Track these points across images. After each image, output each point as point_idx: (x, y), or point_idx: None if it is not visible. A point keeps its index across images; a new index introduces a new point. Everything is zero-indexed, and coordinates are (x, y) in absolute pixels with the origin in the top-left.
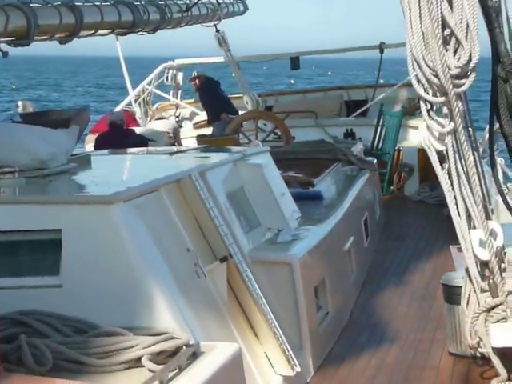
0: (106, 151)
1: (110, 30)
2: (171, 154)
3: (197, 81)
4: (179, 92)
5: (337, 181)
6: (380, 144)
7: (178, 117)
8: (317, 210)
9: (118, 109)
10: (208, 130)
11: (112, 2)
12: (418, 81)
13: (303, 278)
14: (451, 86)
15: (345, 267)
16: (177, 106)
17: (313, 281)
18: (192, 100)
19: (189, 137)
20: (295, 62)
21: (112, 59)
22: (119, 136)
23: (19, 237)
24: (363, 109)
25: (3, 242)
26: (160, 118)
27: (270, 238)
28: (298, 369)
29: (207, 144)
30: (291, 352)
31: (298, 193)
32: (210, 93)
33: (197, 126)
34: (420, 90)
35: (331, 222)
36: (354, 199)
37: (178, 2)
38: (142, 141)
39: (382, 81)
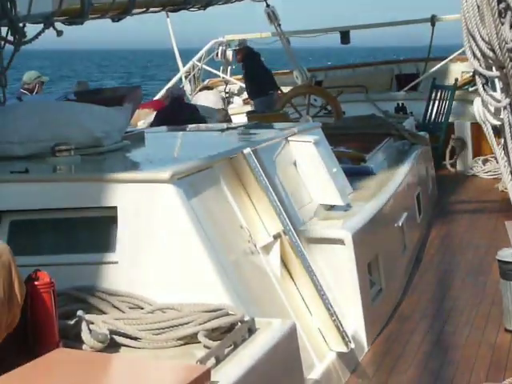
0: (158, 128)
1: (161, 7)
2: (223, 130)
3: (240, 53)
4: (229, 68)
5: (388, 156)
6: (432, 118)
7: (227, 93)
8: (369, 186)
9: (167, 86)
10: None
11: None
12: (474, 55)
13: (356, 254)
14: (508, 60)
15: (398, 243)
16: (226, 82)
17: (366, 257)
18: (241, 76)
19: (238, 113)
20: (345, 36)
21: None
22: (178, 109)
23: (76, 214)
24: (414, 83)
25: (60, 219)
26: (206, 88)
27: (323, 214)
28: (352, 345)
29: (258, 120)
30: (345, 328)
31: (350, 168)
32: (252, 64)
33: (246, 101)
34: (476, 64)
35: (384, 197)
36: (406, 174)
37: None
38: (199, 116)
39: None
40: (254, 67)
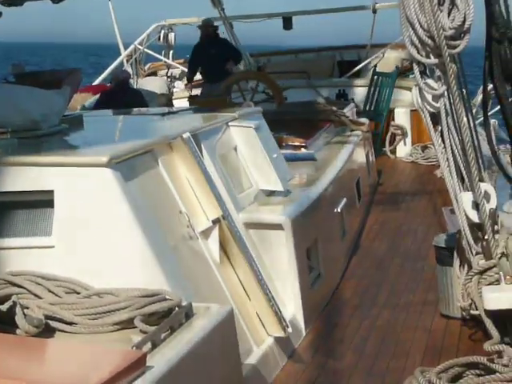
0: (98, 112)
1: None
2: (163, 114)
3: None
4: (171, 52)
5: (329, 142)
6: (373, 105)
7: (169, 77)
8: (309, 172)
9: (109, 70)
10: (198, 91)
11: None
12: (412, 42)
13: (295, 240)
14: (445, 48)
15: (337, 228)
16: (168, 66)
17: (305, 242)
18: (182, 60)
19: (180, 97)
20: (288, 22)
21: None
22: (122, 92)
23: (12, 198)
24: (356, 69)
25: None
26: (152, 74)
27: (263, 200)
28: (290, 330)
29: (199, 105)
30: (283, 313)
31: (290, 154)
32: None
33: (188, 86)
34: (413, 52)
35: (323, 183)
36: (346, 160)
37: None
38: (142, 100)
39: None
40: (211, 53)
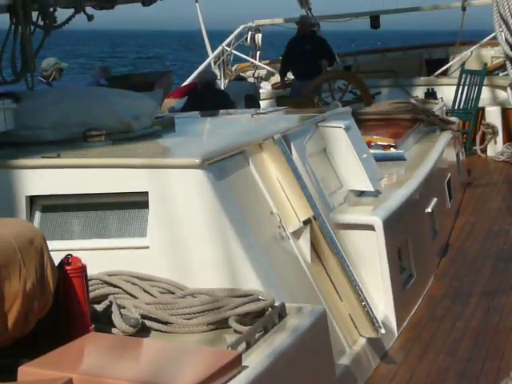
0: (189, 113)
1: None
2: (253, 115)
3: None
4: (258, 53)
5: (419, 142)
6: (462, 104)
7: (256, 78)
8: (399, 172)
9: (196, 72)
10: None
11: None
12: (505, 39)
13: (386, 240)
14: None
15: (428, 229)
16: (255, 67)
17: (396, 243)
18: (268, 61)
19: (268, 98)
20: (375, 20)
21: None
22: (209, 94)
23: (107, 199)
24: (444, 68)
25: (92, 204)
26: (239, 78)
27: (353, 200)
28: (383, 331)
29: (288, 105)
30: (375, 314)
31: (380, 154)
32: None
33: (275, 86)
34: (507, 49)
35: (414, 183)
36: (436, 160)
37: None
38: (230, 101)
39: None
40: (305, 49)
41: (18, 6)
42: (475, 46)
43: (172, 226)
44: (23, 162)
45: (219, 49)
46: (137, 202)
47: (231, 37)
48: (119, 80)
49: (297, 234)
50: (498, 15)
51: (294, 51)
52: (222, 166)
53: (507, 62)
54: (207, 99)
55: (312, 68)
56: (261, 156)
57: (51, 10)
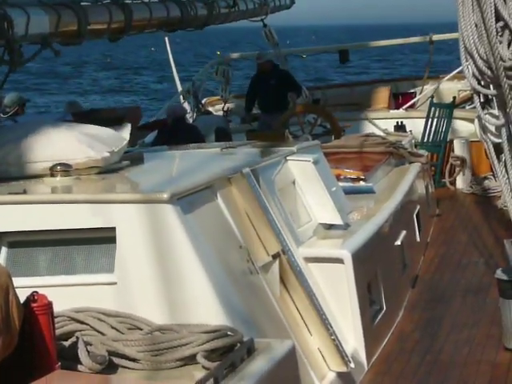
0: (158, 148)
1: (157, 28)
2: (222, 149)
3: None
4: (228, 86)
5: (388, 174)
6: (431, 136)
7: (226, 111)
8: (368, 204)
9: (165, 106)
10: (254, 125)
11: None
12: (471, 73)
13: (356, 274)
14: (505, 78)
15: (398, 262)
16: (225, 101)
17: (366, 276)
18: (238, 94)
19: (237, 131)
20: (344, 55)
21: None
22: (179, 129)
23: (74, 235)
24: (413, 101)
25: (58, 240)
26: (208, 112)
27: (322, 234)
28: (352, 365)
29: (257, 139)
30: (345, 348)
31: (349, 187)
32: (269, 80)
33: (244, 119)
34: (473, 82)
35: (383, 216)
36: (405, 193)
37: None
38: (200, 136)
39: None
40: (270, 84)
41: None
42: (443, 80)
43: (140, 262)
44: None
45: (189, 83)
46: (104, 237)
47: (201, 70)
48: (86, 114)
49: (265, 267)
50: (464, 49)
51: (258, 87)
52: (191, 201)
53: (474, 95)
54: (177, 133)
55: (278, 101)
56: (229, 190)
57: (18, 45)
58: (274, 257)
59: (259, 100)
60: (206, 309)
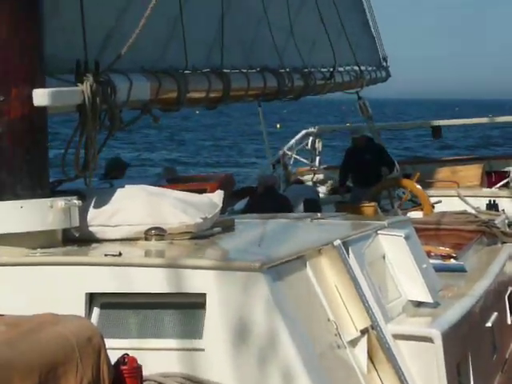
0: (248, 216)
1: (254, 98)
2: (312, 220)
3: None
4: (318, 157)
5: (480, 253)
6: None
7: (314, 182)
8: (459, 283)
9: (257, 174)
10: (346, 197)
11: (258, 69)
12: None
13: (445, 354)
14: None
15: (488, 344)
16: (314, 172)
17: (455, 357)
18: (327, 165)
19: (326, 202)
20: (437, 131)
21: None
22: (270, 198)
23: (165, 299)
24: (506, 180)
25: (150, 303)
26: (300, 182)
27: (412, 311)
28: None
29: (346, 211)
30: None
31: (440, 265)
32: (364, 155)
33: (331, 191)
34: None
35: (474, 296)
36: (497, 273)
37: (322, 69)
38: (289, 206)
39: None
40: (364, 158)
41: (87, 105)
42: None
43: (229, 329)
44: (85, 259)
45: (280, 152)
46: (194, 303)
47: (292, 141)
48: (180, 181)
49: (353, 342)
50: None
51: (352, 161)
52: (281, 270)
53: None
54: (267, 202)
55: (372, 176)
56: (320, 261)
57: (119, 111)
58: (363, 332)
59: (353, 173)
60: (293, 381)
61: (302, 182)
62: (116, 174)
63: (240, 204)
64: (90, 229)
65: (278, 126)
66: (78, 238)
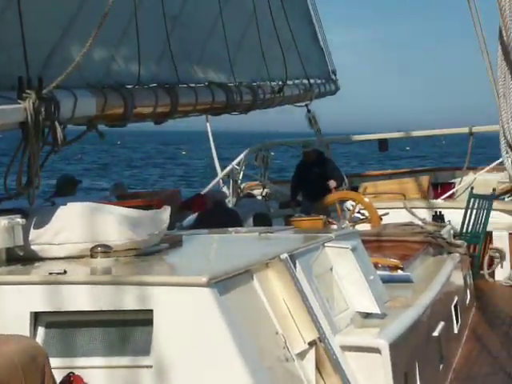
0: (197, 231)
1: (203, 113)
2: (260, 234)
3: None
4: (267, 172)
5: (426, 264)
6: (470, 227)
7: (264, 196)
8: (406, 294)
9: (206, 189)
10: (293, 210)
11: (206, 83)
12: (511, 165)
13: (393, 364)
14: None
15: (435, 353)
16: (264, 186)
17: (402, 367)
18: (277, 180)
19: (275, 216)
20: (383, 144)
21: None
22: (218, 212)
23: (112, 316)
24: (452, 191)
25: (97, 320)
26: (250, 196)
27: (359, 322)
28: None
29: (296, 224)
30: None
31: (387, 276)
32: (311, 169)
33: (282, 205)
34: None
35: (421, 306)
36: (443, 283)
37: (271, 83)
38: (239, 220)
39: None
40: (314, 172)
41: (30, 123)
42: (482, 171)
43: (177, 346)
44: (29, 278)
45: (229, 167)
46: (141, 319)
47: (241, 156)
48: (127, 198)
49: (301, 355)
50: (505, 142)
51: (302, 175)
52: (229, 285)
53: None
54: (216, 218)
55: (321, 190)
56: (267, 275)
57: (62, 127)
58: (311, 344)
59: (303, 187)
60: None
61: (252, 196)
62: (66, 191)
63: (189, 220)
64: (34, 247)
65: (184, 152)
66: (22, 257)
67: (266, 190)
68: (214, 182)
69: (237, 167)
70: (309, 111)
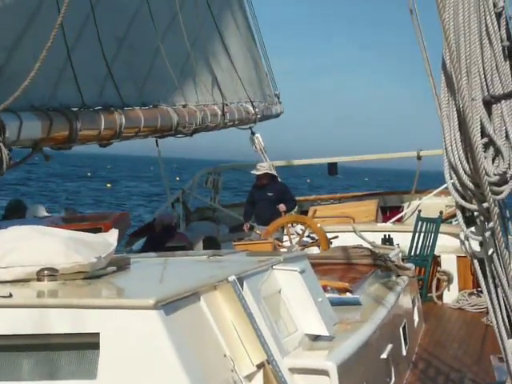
0: (145, 254)
1: (148, 135)
2: (209, 257)
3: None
4: (217, 196)
5: (375, 287)
6: (418, 250)
7: (214, 220)
8: (355, 316)
9: (157, 213)
10: (244, 234)
11: (151, 106)
12: (456, 188)
13: None
14: (490, 194)
15: (383, 375)
16: (214, 210)
17: None
18: (227, 204)
19: (226, 240)
20: (333, 167)
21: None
22: (167, 236)
23: (58, 339)
24: (400, 215)
25: (43, 344)
26: (201, 219)
27: (308, 344)
28: None
29: (244, 248)
30: None
31: (336, 298)
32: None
33: (233, 229)
34: (457, 198)
35: (369, 328)
36: (392, 306)
37: (215, 106)
38: (187, 243)
39: None
40: (267, 195)
41: None
42: (429, 195)
43: (123, 368)
44: None
45: (180, 191)
46: (88, 343)
47: (192, 179)
48: (75, 221)
49: (250, 377)
50: (448, 164)
51: (255, 199)
52: (176, 307)
53: (457, 211)
54: (164, 241)
55: (273, 213)
56: (215, 297)
57: (7, 150)
58: (259, 366)
59: (256, 210)
60: None
61: (203, 219)
62: (16, 215)
63: (138, 244)
64: None
65: (109, 185)
66: None
67: (216, 213)
68: (164, 206)
69: (187, 191)
70: (253, 134)
